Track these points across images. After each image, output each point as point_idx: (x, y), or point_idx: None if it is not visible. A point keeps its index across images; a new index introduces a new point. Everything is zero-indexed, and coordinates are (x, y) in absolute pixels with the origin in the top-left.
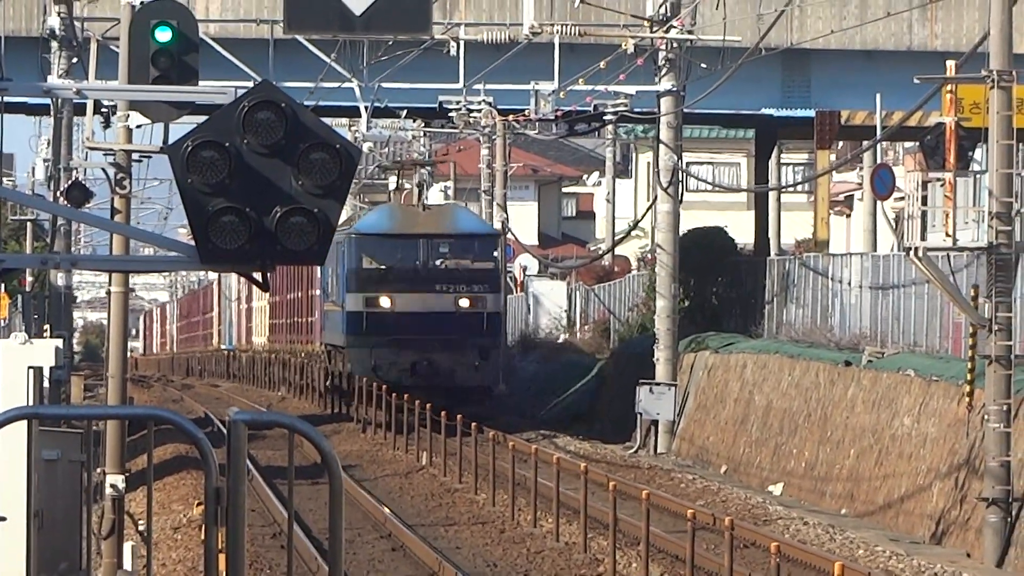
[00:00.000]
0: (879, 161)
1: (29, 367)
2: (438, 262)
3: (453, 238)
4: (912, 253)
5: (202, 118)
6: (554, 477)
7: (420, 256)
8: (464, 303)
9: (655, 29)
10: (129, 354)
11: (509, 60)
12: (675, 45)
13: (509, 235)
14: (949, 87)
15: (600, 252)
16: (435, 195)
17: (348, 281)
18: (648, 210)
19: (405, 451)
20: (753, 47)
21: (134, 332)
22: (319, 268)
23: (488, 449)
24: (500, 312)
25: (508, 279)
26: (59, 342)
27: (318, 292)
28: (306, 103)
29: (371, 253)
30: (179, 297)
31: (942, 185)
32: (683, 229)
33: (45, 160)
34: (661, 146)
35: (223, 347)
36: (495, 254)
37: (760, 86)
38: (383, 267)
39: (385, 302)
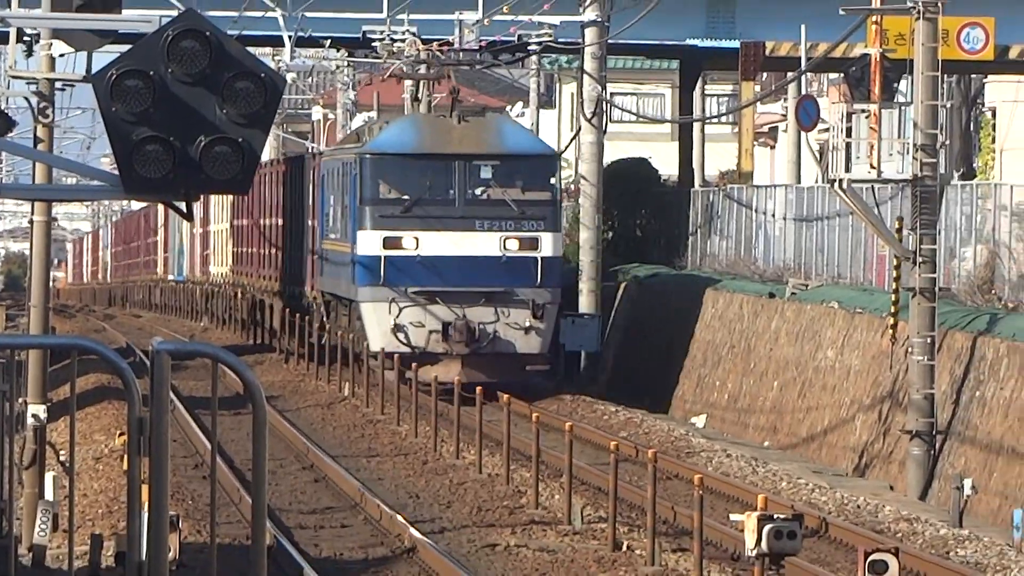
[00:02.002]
0: (803, 92)
1: None
2: (479, 191)
3: (499, 159)
4: (836, 185)
5: (126, 47)
6: (477, 409)
7: (455, 183)
8: (513, 245)
9: None
10: (52, 284)
11: None
12: None
13: None
14: (874, 18)
15: None
16: (357, 126)
17: (360, 215)
18: (572, 141)
19: (327, 382)
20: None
21: (56, 262)
22: (312, 190)
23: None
24: (559, 257)
25: None
26: None
27: (309, 223)
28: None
29: (391, 179)
30: (114, 220)
31: (867, 117)
32: (607, 160)
33: None
34: (585, 77)
35: (171, 278)
36: (552, 181)
37: (684, 17)
38: (406, 197)
39: (409, 243)
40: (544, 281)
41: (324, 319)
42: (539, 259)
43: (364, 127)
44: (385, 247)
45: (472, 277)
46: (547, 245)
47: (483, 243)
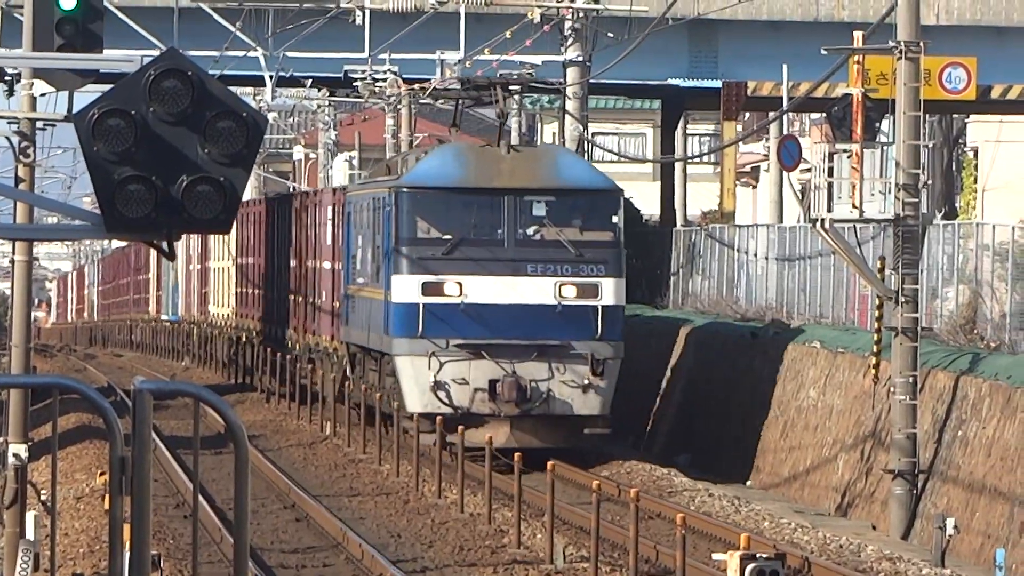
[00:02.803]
0: (786, 132)
1: None
2: (531, 230)
3: (554, 194)
4: (819, 225)
5: (107, 87)
6: (459, 448)
7: (504, 221)
8: (569, 292)
9: None
10: (33, 323)
11: (415, 29)
12: (581, 15)
13: None
14: (856, 58)
15: None
16: (339, 166)
17: (395, 257)
18: None
19: (309, 421)
20: (660, 17)
21: (37, 302)
22: (339, 231)
23: (392, 419)
24: (622, 306)
25: None
26: None
27: (327, 264)
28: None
29: (431, 216)
30: (102, 256)
31: (849, 156)
32: None
33: None
34: (567, 116)
35: (164, 317)
36: (615, 220)
37: (667, 57)
38: (448, 237)
39: (452, 289)
40: (605, 333)
41: (348, 372)
42: (599, 308)
43: (397, 157)
44: (424, 293)
45: (523, 328)
46: (609, 292)
47: (536, 290)
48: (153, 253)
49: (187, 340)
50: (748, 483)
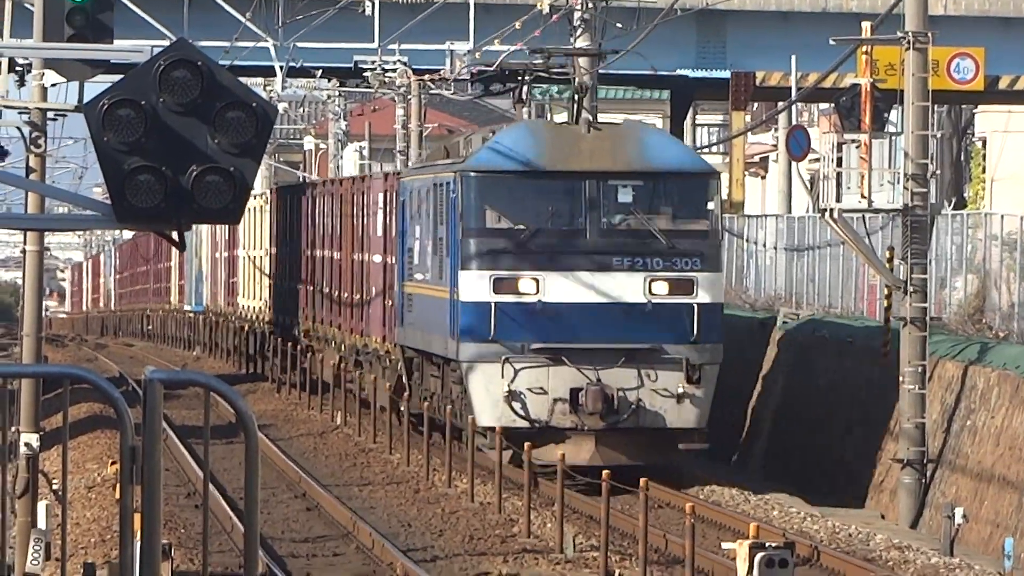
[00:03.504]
0: (794, 122)
1: None
2: (616, 219)
3: (642, 177)
4: (827, 215)
5: (117, 77)
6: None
7: (586, 209)
8: (661, 288)
9: None
10: (45, 313)
11: (424, 20)
12: (591, 5)
13: None
14: (865, 48)
15: None
16: (349, 156)
17: (462, 251)
18: None
19: (320, 411)
20: (669, 7)
21: (48, 291)
22: (390, 222)
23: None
24: (720, 304)
25: None
26: None
27: (377, 258)
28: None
29: (502, 203)
30: (119, 244)
31: (857, 147)
32: None
33: None
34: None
35: (187, 308)
36: (711, 206)
37: (676, 47)
38: (522, 227)
39: (527, 287)
40: (702, 335)
41: (404, 379)
42: (695, 307)
43: (459, 138)
44: (496, 291)
45: (608, 330)
46: (705, 289)
47: (622, 286)
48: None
49: (213, 333)
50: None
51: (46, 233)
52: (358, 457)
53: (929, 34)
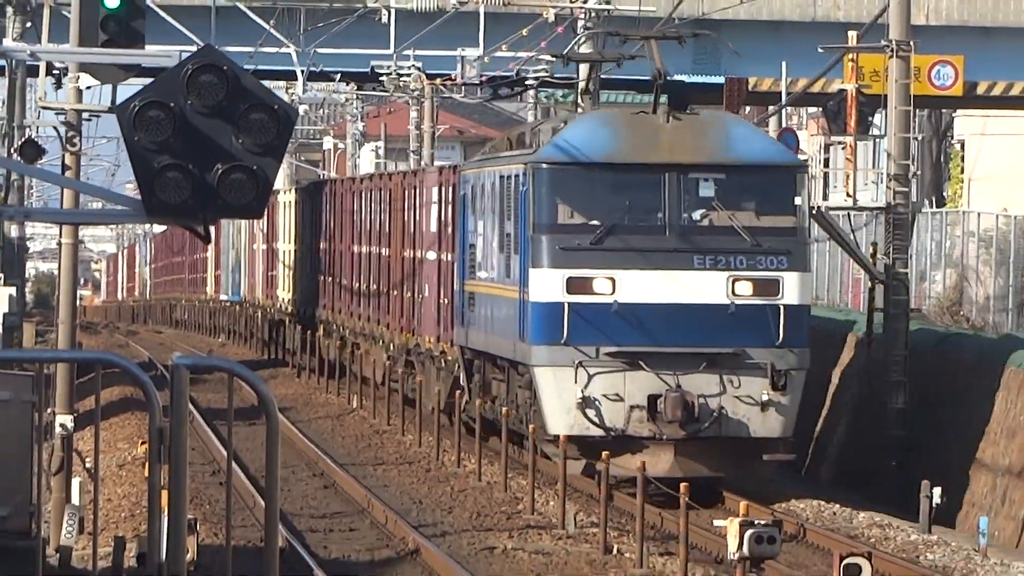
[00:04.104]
0: (784, 125)
1: None
2: (697, 215)
3: (725, 170)
4: (815, 212)
5: (148, 80)
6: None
7: (665, 204)
8: (745, 289)
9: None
10: (79, 302)
11: (437, 28)
12: (593, 14)
13: None
14: (851, 56)
15: None
16: (366, 156)
17: (534, 248)
18: None
19: (337, 395)
20: (667, 17)
21: (83, 281)
22: (446, 218)
23: (415, 392)
24: (808, 305)
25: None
26: (12, 290)
27: (431, 255)
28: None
29: (576, 198)
30: (153, 235)
31: (843, 148)
32: None
33: (0, 118)
34: (578, 110)
35: (223, 297)
36: (798, 201)
37: (673, 54)
38: (596, 223)
39: (602, 286)
40: (788, 339)
41: (463, 381)
42: (780, 308)
43: (526, 128)
44: (569, 291)
45: (689, 333)
46: (792, 289)
47: (704, 286)
48: (212, 230)
49: (250, 323)
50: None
51: (80, 227)
52: (372, 439)
53: (911, 43)
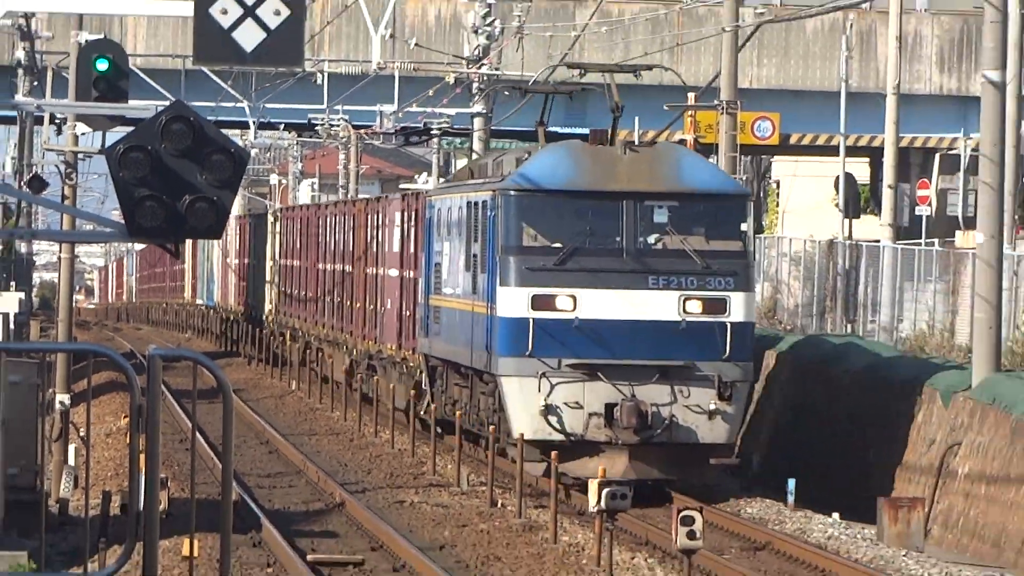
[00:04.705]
0: None
1: None
2: (652, 239)
3: (677, 198)
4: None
5: (130, 128)
6: (390, 397)
7: (623, 228)
8: (695, 307)
9: (470, 66)
10: (75, 304)
11: (361, 88)
12: (485, 78)
13: None
14: (690, 112)
15: None
16: (304, 189)
17: (501, 268)
18: None
19: (280, 379)
20: (543, 80)
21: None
22: (408, 239)
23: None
24: (752, 323)
25: None
26: (21, 295)
27: (393, 272)
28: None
29: (540, 222)
30: (137, 250)
31: None
32: None
33: (12, 158)
34: (473, 154)
35: (199, 302)
36: (743, 227)
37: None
38: (559, 245)
39: (564, 303)
40: (733, 353)
41: (426, 386)
42: (728, 325)
43: (491, 160)
44: (534, 308)
45: (643, 347)
46: (738, 308)
47: (657, 305)
48: (188, 245)
49: (222, 325)
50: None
51: (76, 244)
52: (308, 415)
53: (738, 102)
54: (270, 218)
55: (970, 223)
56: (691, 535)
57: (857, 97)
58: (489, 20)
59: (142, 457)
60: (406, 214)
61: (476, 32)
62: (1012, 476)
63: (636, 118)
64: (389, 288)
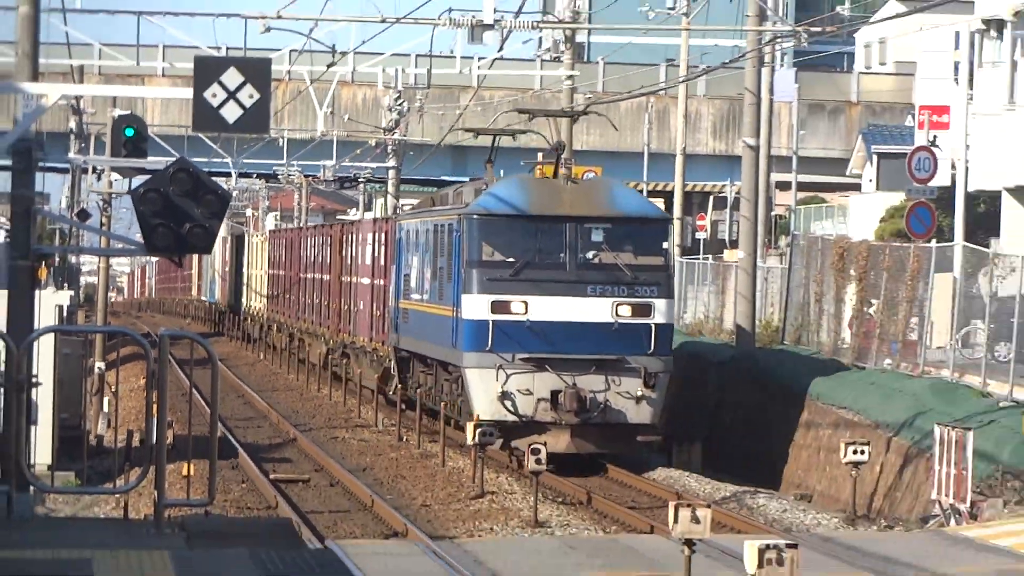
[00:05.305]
0: None
1: (56, 305)
2: (589, 255)
3: (611, 222)
4: None
5: (148, 176)
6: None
7: (566, 246)
8: (625, 311)
9: (386, 133)
10: (109, 300)
11: (311, 148)
12: (397, 142)
13: None
14: (540, 167)
15: None
16: (270, 220)
17: (466, 278)
18: None
19: (253, 352)
20: (436, 144)
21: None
22: (379, 254)
23: (296, 347)
24: (672, 324)
25: None
26: (71, 293)
27: (365, 280)
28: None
29: (498, 241)
30: (155, 261)
31: None
32: None
33: (66, 196)
34: (389, 197)
35: (203, 298)
36: (665, 246)
37: (441, 165)
38: (512, 260)
39: (518, 308)
40: (657, 349)
41: (394, 372)
42: (652, 326)
43: (451, 191)
44: (493, 311)
45: (583, 344)
46: (660, 312)
47: (594, 309)
48: (195, 257)
49: (230, 319)
50: None
51: (110, 258)
52: (271, 377)
53: (572, 159)
54: (258, 239)
55: (734, 244)
56: (538, 461)
57: (656, 156)
58: (399, 102)
59: (155, 406)
60: (377, 235)
61: (390, 110)
62: (759, 421)
63: (501, 171)
64: (362, 293)
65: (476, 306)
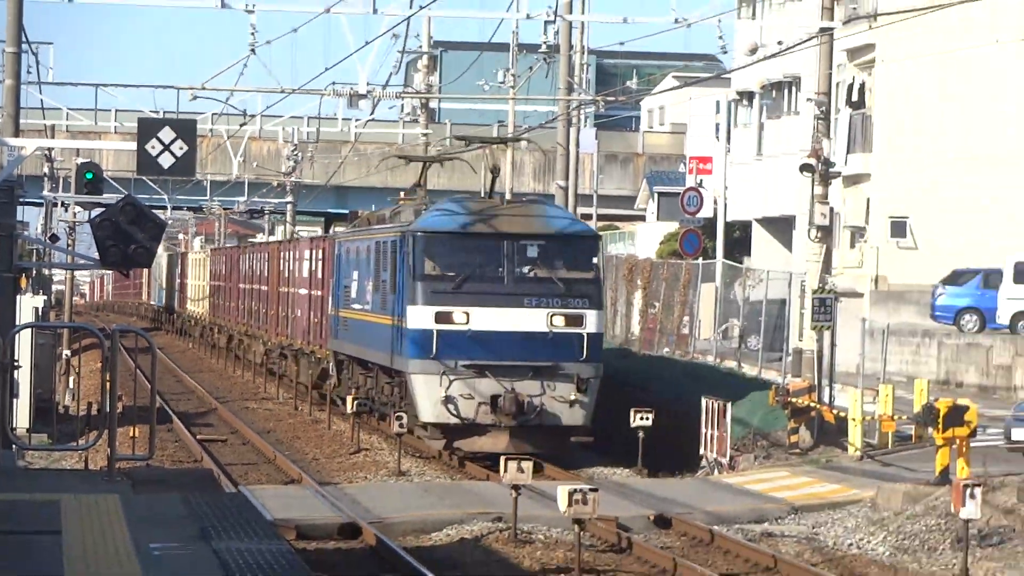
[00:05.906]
0: None
1: (33, 307)
2: (525, 269)
3: (545, 239)
4: None
5: (103, 208)
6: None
7: (503, 261)
8: (559, 321)
9: (285, 177)
10: (73, 303)
11: (229, 187)
12: (293, 183)
13: None
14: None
15: None
16: (196, 243)
17: (412, 290)
18: None
19: (187, 343)
20: (323, 185)
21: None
22: (318, 267)
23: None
24: (602, 333)
25: None
26: (45, 297)
27: (303, 291)
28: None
29: (442, 256)
30: (110, 272)
31: None
32: None
33: (41, 224)
34: (287, 223)
35: (152, 303)
36: (594, 261)
37: (327, 201)
38: (454, 274)
39: (460, 318)
40: (588, 356)
41: (332, 372)
42: (584, 335)
43: (389, 211)
44: (437, 321)
45: (520, 351)
46: (591, 322)
47: (531, 319)
48: (145, 271)
49: (167, 317)
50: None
51: (75, 271)
52: (199, 362)
53: (428, 198)
54: (200, 256)
55: None
56: (401, 426)
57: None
58: (295, 152)
59: (108, 384)
60: (314, 252)
61: (288, 159)
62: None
63: (372, 205)
64: (300, 302)
65: (421, 316)
